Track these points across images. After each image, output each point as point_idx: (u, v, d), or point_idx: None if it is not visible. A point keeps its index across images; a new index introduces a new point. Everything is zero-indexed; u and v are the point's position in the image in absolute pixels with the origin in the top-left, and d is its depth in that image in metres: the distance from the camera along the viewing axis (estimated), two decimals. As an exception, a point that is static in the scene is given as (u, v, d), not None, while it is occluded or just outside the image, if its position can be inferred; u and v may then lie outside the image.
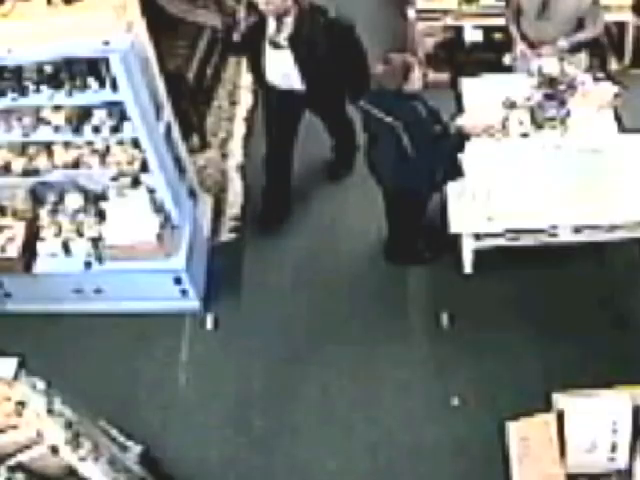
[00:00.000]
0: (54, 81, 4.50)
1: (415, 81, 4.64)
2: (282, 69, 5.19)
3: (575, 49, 5.47)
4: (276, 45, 5.08)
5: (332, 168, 6.15)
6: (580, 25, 5.41)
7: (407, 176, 4.84)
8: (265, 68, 5.23)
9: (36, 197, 5.36)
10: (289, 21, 5.01)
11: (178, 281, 5.27)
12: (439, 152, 4.77)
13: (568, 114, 5.24)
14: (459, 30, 6.66)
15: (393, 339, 5.22)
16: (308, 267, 5.59)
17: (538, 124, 5.24)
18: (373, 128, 4.86)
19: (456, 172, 4.94)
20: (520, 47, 5.54)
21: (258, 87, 5.91)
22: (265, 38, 5.09)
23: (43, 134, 4.80)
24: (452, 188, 5.08)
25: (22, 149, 5.01)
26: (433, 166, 4.83)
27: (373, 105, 4.73)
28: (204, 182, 5.98)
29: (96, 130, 4.75)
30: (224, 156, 6.37)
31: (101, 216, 5.26)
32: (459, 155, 4.90)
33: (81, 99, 4.57)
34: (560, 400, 3.93)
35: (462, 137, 4.78)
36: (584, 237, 5.07)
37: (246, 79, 6.95)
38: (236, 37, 5.13)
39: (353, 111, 5.49)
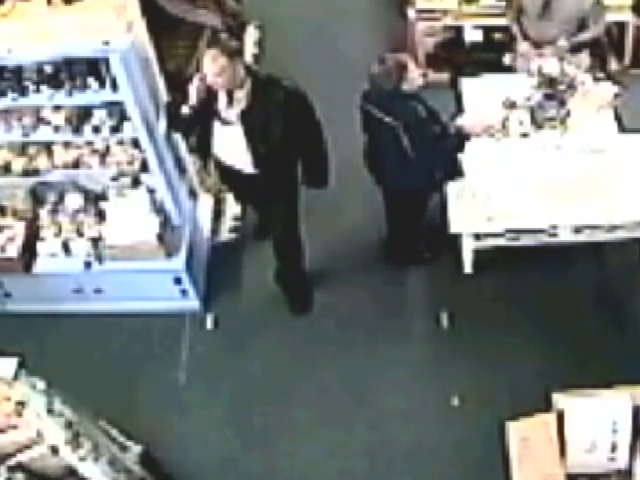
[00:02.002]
0: (54, 81, 4.50)
1: (413, 80, 4.64)
2: (232, 148, 4.63)
3: (576, 49, 5.47)
4: (226, 122, 4.53)
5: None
6: (582, 25, 5.41)
7: (407, 176, 4.84)
8: (214, 146, 4.70)
9: (36, 197, 5.36)
10: (241, 95, 4.45)
11: (178, 281, 5.27)
12: (439, 152, 4.77)
13: (568, 114, 5.24)
14: (459, 30, 6.66)
15: (393, 339, 5.22)
16: (308, 267, 5.58)
17: (538, 124, 5.24)
18: (373, 128, 4.86)
19: (456, 172, 4.94)
20: (523, 47, 5.54)
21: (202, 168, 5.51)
22: (214, 113, 4.53)
23: (43, 134, 4.80)
24: (452, 188, 5.08)
25: (22, 149, 5.01)
26: (433, 166, 4.83)
27: (373, 105, 4.73)
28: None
29: (96, 130, 4.75)
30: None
31: (101, 216, 5.26)
32: (459, 155, 4.90)
33: (81, 99, 4.57)
34: (560, 400, 3.93)
35: (462, 137, 4.78)
36: (584, 237, 5.07)
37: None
38: (186, 111, 4.47)
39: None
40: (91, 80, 4.48)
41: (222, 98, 4.49)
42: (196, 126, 4.64)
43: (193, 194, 5.57)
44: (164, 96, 4.97)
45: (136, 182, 5.08)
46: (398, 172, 4.86)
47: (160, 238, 5.08)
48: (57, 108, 4.70)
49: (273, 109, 4.46)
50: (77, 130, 4.75)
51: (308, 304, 5.39)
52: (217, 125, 4.56)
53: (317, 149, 4.81)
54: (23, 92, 4.54)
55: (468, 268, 5.30)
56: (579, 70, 5.42)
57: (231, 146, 4.63)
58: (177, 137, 5.24)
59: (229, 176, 4.96)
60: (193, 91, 4.42)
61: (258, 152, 4.59)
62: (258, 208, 5.58)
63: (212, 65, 4.33)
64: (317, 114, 4.69)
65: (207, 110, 4.50)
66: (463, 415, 4.82)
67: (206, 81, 4.39)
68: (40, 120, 4.76)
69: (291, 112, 4.51)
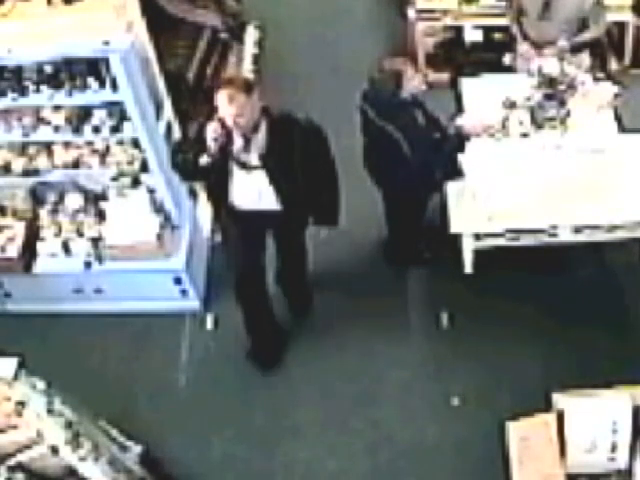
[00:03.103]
0: (54, 81, 4.50)
1: (413, 86, 4.64)
2: (255, 191, 4.38)
3: (576, 49, 5.47)
4: (246, 166, 4.26)
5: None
6: (583, 25, 5.41)
7: (406, 179, 4.84)
8: (232, 192, 4.40)
9: (36, 197, 5.36)
10: (260, 137, 4.19)
11: (178, 281, 5.27)
12: (439, 156, 4.77)
13: (568, 114, 5.24)
14: (459, 30, 6.67)
15: (393, 339, 5.22)
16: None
17: (538, 124, 5.23)
18: (372, 131, 4.86)
19: (455, 172, 4.94)
20: (523, 47, 5.54)
21: (215, 217, 4.96)
22: (231, 158, 4.24)
23: (43, 134, 4.80)
24: (452, 188, 5.08)
25: (22, 149, 5.01)
26: (433, 169, 4.84)
27: (373, 111, 4.73)
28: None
29: (96, 130, 4.75)
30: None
31: (101, 216, 5.27)
32: (458, 155, 4.90)
33: (81, 99, 4.57)
34: (560, 400, 3.93)
35: (461, 138, 4.78)
36: (584, 237, 5.07)
37: (246, 79, 6.95)
38: (205, 161, 4.10)
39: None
40: (91, 80, 4.48)
41: (238, 141, 4.20)
42: (213, 173, 4.29)
43: (193, 194, 5.57)
44: (164, 96, 4.98)
45: (136, 182, 5.08)
46: (398, 175, 4.86)
47: (160, 238, 5.08)
48: (57, 108, 4.71)
49: (292, 147, 4.24)
50: (77, 130, 4.75)
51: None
52: (235, 170, 4.28)
53: (330, 185, 4.60)
54: (23, 92, 4.55)
55: (468, 268, 5.29)
56: (579, 70, 5.42)
57: (253, 189, 4.37)
58: (177, 137, 5.23)
59: (244, 220, 4.57)
60: (212, 138, 4.03)
61: (283, 191, 4.39)
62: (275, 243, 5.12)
63: (230, 106, 4.00)
64: (332, 151, 4.51)
65: (224, 155, 4.19)
66: (463, 415, 4.82)
67: (225, 125, 4.05)
68: (40, 120, 4.77)
69: (308, 147, 4.31)
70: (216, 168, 4.19)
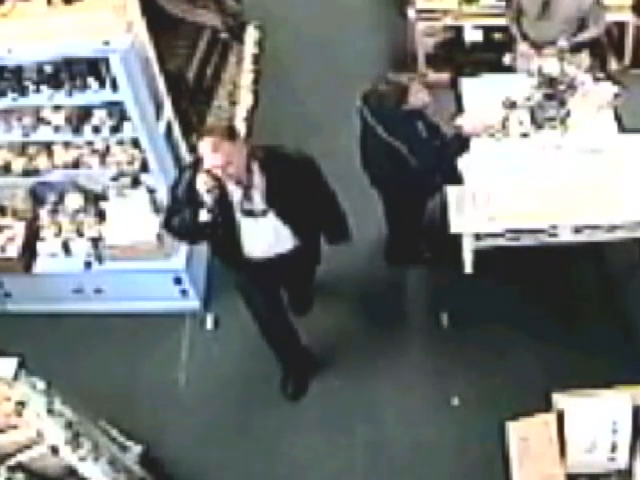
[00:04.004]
0: (54, 81, 4.50)
1: (415, 101, 4.65)
2: (269, 236, 4.17)
3: (576, 49, 5.47)
4: (253, 213, 4.04)
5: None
6: (582, 25, 5.41)
7: (407, 184, 4.85)
8: (243, 242, 4.15)
9: (36, 197, 5.36)
10: (257, 180, 3.96)
11: (178, 281, 5.27)
12: (442, 162, 4.79)
13: (568, 114, 5.24)
14: (459, 30, 6.67)
15: (393, 339, 5.22)
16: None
17: (538, 124, 5.23)
18: (370, 140, 4.87)
19: (455, 178, 4.96)
20: (523, 47, 5.54)
21: (226, 268, 4.60)
22: (235, 210, 4.01)
23: (43, 134, 4.80)
24: (452, 188, 5.07)
25: (22, 149, 5.02)
26: (435, 175, 4.85)
27: (374, 119, 4.73)
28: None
29: (96, 130, 4.76)
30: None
31: (101, 216, 5.27)
32: (458, 161, 4.92)
33: (81, 99, 4.57)
34: (560, 400, 3.92)
35: (462, 140, 4.79)
36: (584, 237, 5.07)
37: (246, 79, 6.95)
38: (205, 218, 3.82)
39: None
40: (91, 80, 4.49)
41: (237, 191, 3.96)
42: (219, 228, 3.99)
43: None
44: (164, 96, 4.97)
45: (136, 182, 5.08)
46: (398, 180, 4.87)
47: (160, 238, 5.08)
48: (57, 108, 4.71)
49: (289, 182, 4.02)
50: (77, 130, 4.75)
51: (309, 305, 5.38)
52: (242, 219, 4.05)
53: (332, 206, 4.47)
54: (23, 92, 4.55)
55: (468, 268, 5.29)
56: (579, 70, 5.42)
57: (267, 234, 4.16)
58: (177, 137, 5.24)
59: (260, 268, 4.32)
60: (205, 191, 3.76)
61: (298, 227, 4.22)
62: (291, 283, 4.97)
63: (216, 155, 3.75)
64: (324, 175, 4.34)
65: (224, 206, 3.92)
66: (463, 415, 4.82)
67: (215, 176, 3.79)
68: (40, 120, 4.77)
69: (304, 178, 4.12)
70: (219, 222, 3.92)
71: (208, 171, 3.77)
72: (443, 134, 4.78)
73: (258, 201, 4.01)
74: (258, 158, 3.98)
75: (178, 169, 4.25)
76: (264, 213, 4.05)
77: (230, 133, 3.84)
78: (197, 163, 3.88)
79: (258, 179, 3.97)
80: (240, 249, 4.17)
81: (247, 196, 3.98)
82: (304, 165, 4.17)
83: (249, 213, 4.03)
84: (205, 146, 3.76)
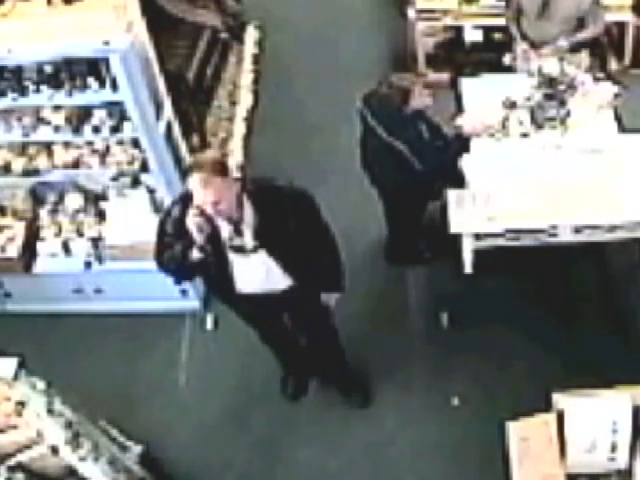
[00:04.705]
0: (54, 81, 4.49)
1: (418, 103, 4.65)
2: (259, 273, 4.03)
3: (575, 49, 5.47)
4: (243, 250, 3.90)
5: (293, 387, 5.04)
6: (581, 25, 5.41)
7: (406, 183, 4.85)
8: (234, 278, 4.03)
9: (36, 197, 5.36)
10: (248, 217, 3.80)
11: (178, 281, 5.26)
12: (444, 163, 4.79)
13: (568, 114, 5.23)
14: (459, 30, 6.66)
15: (393, 339, 5.22)
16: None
17: (538, 124, 5.23)
18: (371, 140, 4.87)
19: (456, 180, 4.96)
20: (522, 47, 5.54)
21: (221, 302, 4.57)
22: (224, 246, 3.87)
23: (43, 134, 4.80)
24: (452, 188, 5.08)
25: (22, 149, 5.01)
26: (436, 175, 4.86)
27: (375, 120, 4.73)
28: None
29: (96, 130, 4.75)
30: (224, 156, 6.36)
31: (101, 216, 5.27)
32: (460, 163, 4.92)
33: (81, 99, 4.56)
34: (560, 400, 3.92)
35: (463, 140, 4.79)
36: (584, 237, 5.06)
37: (246, 79, 6.95)
38: (195, 255, 3.73)
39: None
40: (91, 80, 4.48)
41: (226, 227, 3.82)
42: (210, 265, 3.90)
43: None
44: (164, 96, 4.97)
45: (136, 182, 5.07)
46: (399, 182, 4.87)
47: (160, 238, 5.07)
48: (57, 108, 4.70)
49: (283, 218, 3.86)
50: (77, 130, 4.74)
51: (332, 360, 5.00)
52: (232, 256, 3.92)
53: (327, 248, 4.21)
54: (23, 92, 4.54)
55: (468, 268, 5.29)
56: (579, 70, 5.42)
57: (257, 272, 4.02)
58: (177, 137, 5.24)
59: (253, 302, 4.22)
60: (195, 230, 3.61)
61: (291, 266, 4.05)
62: (282, 334, 4.82)
63: (206, 191, 3.57)
64: (323, 215, 4.14)
65: (215, 242, 3.80)
66: (463, 415, 4.83)
67: (205, 213, 3.62)
68: (40, 120, 4.76)
69: (299, 213, 3.93)
70: (211, 260, 3.83)
71: (198, 207, 3.62)
72: (444, 135, 4.78)
73: (248, 237, 3.87)
74: (250, 192, 3.82)
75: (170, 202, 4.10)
76: (255, 250, 3.90)
77: (221, 169, 3.65)
78: (187, 197, 3.74)
79: (249, 214, 3.82)
80: (232, 285, 4.06)
81: (237, 231, 3.84)
82: (299, 201, 3.97)
83: (239, 249, 3.89)
84: (195, 182, 3.59)
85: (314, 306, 4.41)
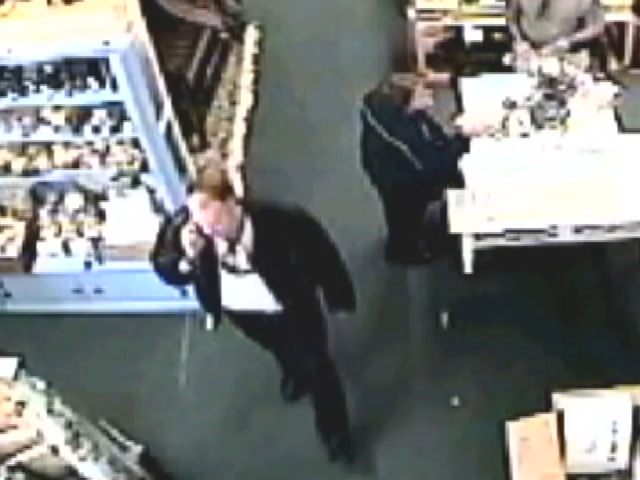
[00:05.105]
0: (54, 81, 4.50)
1: (419, 103, 4.65)
2: (249, 294, 3.97)
3: (575, 49, 5.47)
4: (235, 270, 3.83)
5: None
6: (580, 25, 5.42)
7: (406, 183, 4.85)
8: (224, 294, 3.99)
9: (36, 197, 5.36)
10: (246, 238, 3.74)
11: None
12: (445, 163, 4.79)
13: (568, 114, 5.24)
14: (459, 30, 6.67)
15: (393, 339, 5.22)
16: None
17: (538, 124, 5.23)
18: (375, 143, 4.87)
19: (457, 180, 4.96)
20: (522, 47, 5.55)
21: (213, 318, 4.42)
22: (217, 261, 3.81)
23: (43, 134, 4.80)
24: (452, 188, 5.08)
25: (22, 149, 5.01)
26: (436, 175, 4.86)
27: (375, 120, 4.73)
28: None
29: (96, 130, 4.75)
30: (224, 156, 6.37)
31: (101, 216, 5.27)
32: (460, 165, 4.92)
33: (81, 99, 4.57)
34: (560, 400, 3.92)
35: (463, 140, 4.78)
36: (584, 237, 5.06)
37: (246, 79, 6.96)
38: (185, 267, 3.66)
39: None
40: (91, 80, 4.48)
41: (222, 245, 3.75)
42: (201, 278, 3.88)
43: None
44: (164, 96, 4.97)
45: (136, 182, 5.07)
46: (400, 182, 4.87)
47: (160, 238, 5.08)
48: (57, 108, 4.70)
49: (284, 242, 3.79)
50: (77, 130, 4.75)
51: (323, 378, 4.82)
52: (224, 274, 3.86)
53: (335, 272, 4.14)
54: (23, 92, 4.54)
55: (468, 268, 5.28)
56: (579, 70, 5.42)
57: (247, 292, 3.95)
58: (177, 137, 5.24)
59: (246, 322, 4.28)
60: (187, 244, 3.56)
61: (282, 293, 3.95)
62: (283, 351, 4.75)
63: (204, 213, 3.53)
64: (329, 237, 4.05)
65: (208, 257, 3.74)
66: (463, 415, 4.82)
67: (201, 231, 3.57)
68: (40, 120, 4.76)
69: (302, 237, 3.87)
70: (199, 274, 3.78)
71: (196, 228, 3.56)
72: (445, 135, 4.78)
73: (242, 259, 3.79)
74: (252, 213, 3.75)
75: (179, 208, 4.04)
76: (246, 273, 3.84)
77: (221, 193, 3.56)
78: (187, 214, 3.69)
79: (248, 237, 3.74)
80: (219, 300, 4.03)
81: (232, 250, 3.77)
82: (302, 222, 3.89)
83: (231, 270, 3.83)
84: (194, 202, 3.55)
85: (305, 332, 4.28)
